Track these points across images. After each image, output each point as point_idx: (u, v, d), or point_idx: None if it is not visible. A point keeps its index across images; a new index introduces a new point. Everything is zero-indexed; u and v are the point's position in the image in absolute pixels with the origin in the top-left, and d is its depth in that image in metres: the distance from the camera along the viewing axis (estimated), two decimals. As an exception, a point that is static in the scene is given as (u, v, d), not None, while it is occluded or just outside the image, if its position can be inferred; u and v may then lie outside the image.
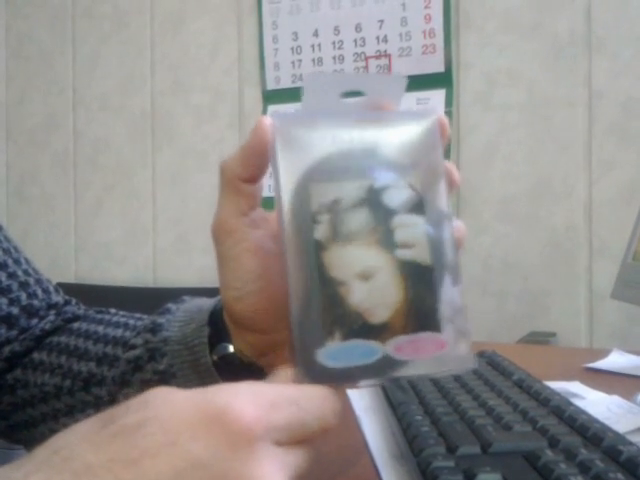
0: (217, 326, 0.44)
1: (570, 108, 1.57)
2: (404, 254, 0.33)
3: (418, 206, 0.34)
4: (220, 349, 0.44)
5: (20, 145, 2.28)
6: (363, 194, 0.34)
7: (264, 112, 1.88)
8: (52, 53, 2.22)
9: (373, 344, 0.32)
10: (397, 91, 0.38)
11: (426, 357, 0.32)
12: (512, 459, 0.36)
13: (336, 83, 0.37)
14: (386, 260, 0.33)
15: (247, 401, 0.28)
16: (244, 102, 1.93)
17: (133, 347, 0.48)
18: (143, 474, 0.25)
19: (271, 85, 1.87)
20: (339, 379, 0.31)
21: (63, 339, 0.54)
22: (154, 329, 0.48)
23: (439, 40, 1.67)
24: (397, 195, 0.34)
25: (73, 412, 0.51)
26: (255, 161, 0.37)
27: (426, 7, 1.68)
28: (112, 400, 0.47)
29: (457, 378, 0.54)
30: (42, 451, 0.26)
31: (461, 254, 0.36)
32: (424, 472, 0.35)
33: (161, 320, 0.48)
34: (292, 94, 1.83)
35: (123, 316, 0.55)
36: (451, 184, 0.37)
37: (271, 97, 1.88)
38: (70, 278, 2.18)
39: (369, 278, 0.33)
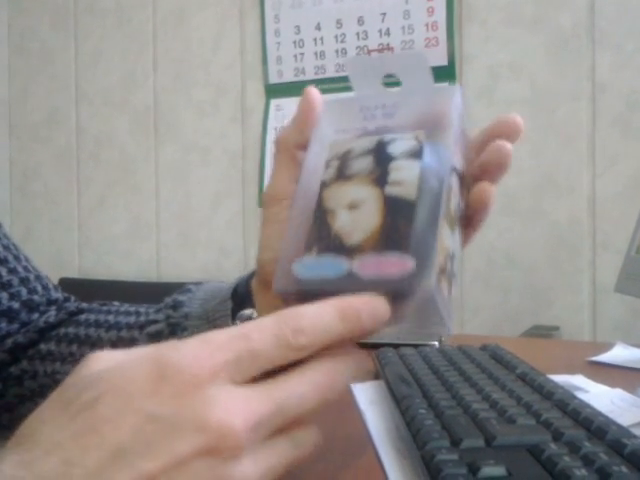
0: (241, 301, 0.46)
1: (574, 102, 1.57)
2: (391, 190, 0.35)
3: (417, 153, 0.36)
4: (243, 316, 0.45)
5: (23, 141, 2.28)
6: (371, 145, 0.37)
7: (267, 106, 1.88)
8: (54, 49, 2.22)
9: (342, 260, 0.33)
10: (425, 67, 0.41)
11: (388, 275, 0.32)
12: (516, 452, 0.36)
13: (376, 66, 0.41)
14: (374, 194, 0.35)
15: (189, 349, 0.28)
16: (246, 96, 1.93)
17: (154, 322, 0.50)
18: (106, 438, 0.26)
19: (274, 79, 1.87)
20: (306, 288, 0.33)
21: (71, 330, 0.55)
22: (175, 306, 0.50)
23: (442, 33, 1.66)
24: (400, 145, 0.37)
25: None
26: (308, 126, 0.40)
27: (429, 0, 1.67)
28: None
29: (462, 373, 0.54)
30: (15, 438, 0.28)
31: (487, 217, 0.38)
32: (428, 465, 0.35)
33: (182, 298, 0.50)
34: (295, 88, 1.83)
35: (130, 306, 0.56)
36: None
37: (274, 91, 1.87)
38: (74, 273, 2.18)
39: (355, 208, 0.35)
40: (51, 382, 0.53)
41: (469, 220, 0.38)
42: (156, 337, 0.49)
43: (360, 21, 1.75)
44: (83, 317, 0.56)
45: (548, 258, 1.59)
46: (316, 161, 0.38)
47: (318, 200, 0.36)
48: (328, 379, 0.31)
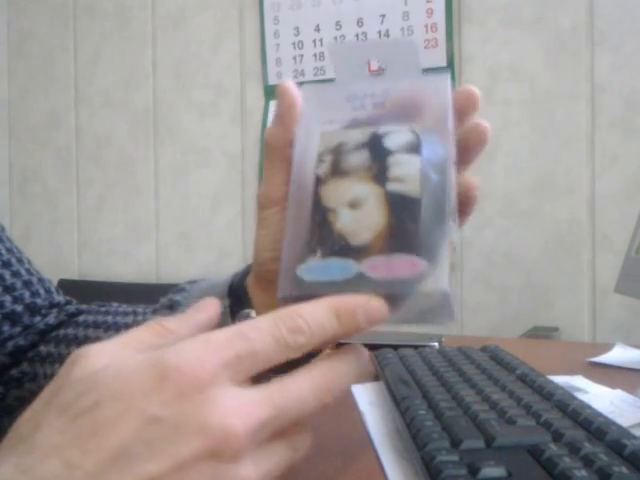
0: (238, 298, 0.46)
1: (573, 102, 1.57)
2: (394, 187, 0.34)
3: (416, 147, 0.35)
4: (241, 316, 0.45)
5: (23, 142, 2.28)
6: (365, 138, 0.36)
7: (266, 108, 1.88)
8: (54, 50, 2.22)
9: (349, 262, 0.33)
10: (413, 55, 0.39)
11: (400, 277, 0.32)
12: (516, 453, 0.36)
13: (359, 52, 0.39)
14: (376, 192, 0.34)
15: (189, 350, 0.28)
16: (246, 98, 1.93)
17: None
18: (106, 441, 0.26)
19: (273, 80, 1.87)
20: (313, 292, 0.32)
21: (70, 331, 0.55)
22: (172, 306, 0.50)
23: (441, 34, 1.66)
24: (397, 138, 0.35)
25: None
26: (294, 121, 0.39)
27: (428, 1, 1.67)
28: None
29: (462, 374, 0.54)
30: (8, 441, 0.28)
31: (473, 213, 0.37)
32: (428, 466, 0.35)
33: (178, 297, 0.50)
34: (294, 89, 1.83)
35: (128, 307, 0.56)
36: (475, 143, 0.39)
37: (273, 92, 1.87)
38: (73, 274, 2.18)
39: (357, 206, 0.34)
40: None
41: (460, 209, 0.38)
42: None
43: (359, 22, 1.75)
44: (82, 318, 0.56)
45: (548, 259, 1.59)
46: (306, 153, 0.37)
47: (315, 197, 0.35)
48: (328, 382, 0.30)
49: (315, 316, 0.30)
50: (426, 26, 1.68)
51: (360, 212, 0.34)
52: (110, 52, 2.13)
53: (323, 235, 0.34)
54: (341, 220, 0.34)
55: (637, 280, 0.80)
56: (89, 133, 2.18)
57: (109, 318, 0.55)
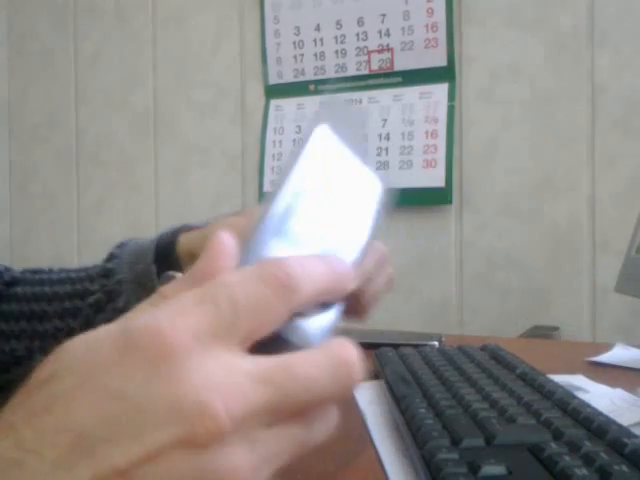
0: (164, 260, 0.51)
1: (573, 103, 1.57)
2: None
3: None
4: (165, 278, 0.48)
5: (22, 142, 2.28)
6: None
7: (266, 107, 1.88)
8: (54, 50, 2.22)
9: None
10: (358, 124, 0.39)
11: None
12: (516, 451, 0.36)
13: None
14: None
15: (160, 311, 0.24)
16: (246, 97, 1.93)
17: (92, 293, 0.54)
18: (62, 419, 0.22)
19: (273, 80, 1.87)
20: None
21: (14, 306, 0.57)
22: (107, 274, 0.55)
23: (441, 34, 1.66)
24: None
25: None
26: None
27: (428, 1, 1.67)
28: None
29: (462, 372, 0.54)
30: None
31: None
32: (428, 464, 0.35)
33: (111, 265, 0.55)
34: (294, 89, 1.83)
35: (61, 272, 0.59)
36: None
37: (273, 92, 1.87)
38: (73, 274, 2.18)
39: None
40: (12, 359, 0.55)
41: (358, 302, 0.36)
42: (96, 305, 0.53)
43: (360, 22, 1.75)
44: (20, 290, 0.58)
45: (548, 259, 1.59)
46: None
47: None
48: (344, 353, 0.25)
49: (301, 261, 0.27)
50: (426, 26, 1.68)
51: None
52: (110, 52, 2.13)
53: None
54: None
55: (637, 279, 0.80)
56: (89, 133, 2.18)
57: (47, 289, 0.58)
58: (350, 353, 0.26)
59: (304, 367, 0.25)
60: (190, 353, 0.23)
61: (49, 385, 0.23)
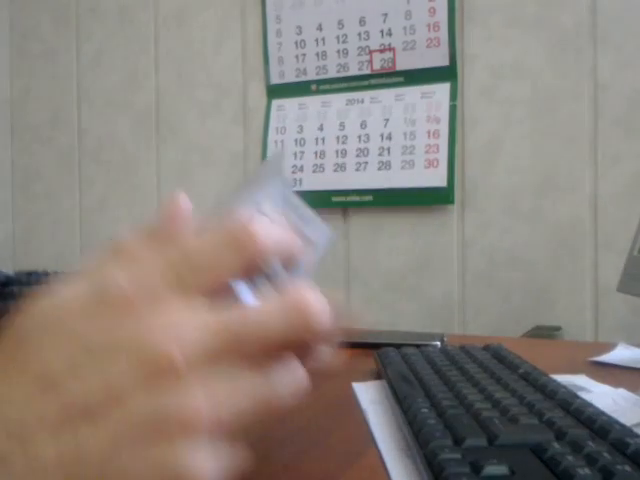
0: None
1: (575, 101, 1.57)
2: None
3: None
4: None
5: (25, 142, 2.29)
6: None
7: (268, 107, 1.88)
8: (56, 49, 2.22)
9: None
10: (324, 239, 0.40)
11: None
12: (519, 451, 0.36)
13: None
14: None
15: (121, 275, 0.25)
16: (248, 97, 1.93)
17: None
18: (27, 360, 0.23)
19: (275, 79, 1.87)
20: None
21: (11, 303, 0.58)
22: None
23: (443, 33, 1.66)
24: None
25: None
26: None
27: (430, 0, 1.67)
28: None
29: (464, 372, 0.54)
30: None
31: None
32: (430, 464, 0.35)
33: None
34: (296, 88, 1.83)
35: (55, 274, 0.59)
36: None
37: (275, 91, 1.87)
38: (75, 274, 2.18)
39: None
40: None
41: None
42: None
43: (362, 21, 1.75)
44: (16, 289, 0.61)
45: (550, 258, 1.58)
46: None
47: None
48: (298, 297, 0.26)
49: (258, 220, 0.28)
50: (428, 25, 1.68)
51: None
52: (112, 51, 2.13)
53: None
54: None
55: (640, 279, 0.80)
56: (91, 132, 2.18)
57: (42, 287, 0.58)
58: (305, 297, 0.26)
59: (257, 313, 0.26)
60: (150, 305, 0.24)
61: (17, 337, 0.24)
